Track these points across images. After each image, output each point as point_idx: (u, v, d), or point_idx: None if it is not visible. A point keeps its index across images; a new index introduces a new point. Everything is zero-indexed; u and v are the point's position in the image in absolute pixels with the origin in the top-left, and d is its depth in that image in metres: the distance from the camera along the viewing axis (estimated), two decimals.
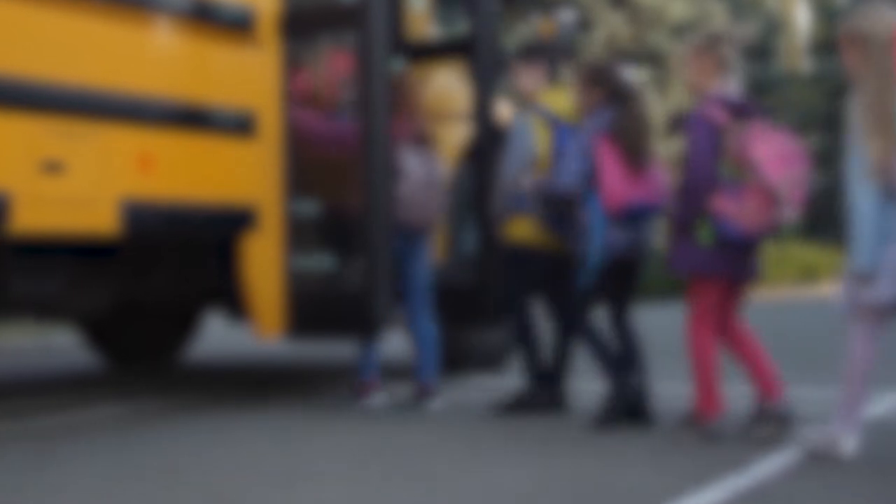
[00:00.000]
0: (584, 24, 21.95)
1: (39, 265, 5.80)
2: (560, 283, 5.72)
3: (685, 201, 4.85)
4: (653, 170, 5.28)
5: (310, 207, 6.13)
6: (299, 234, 6.08)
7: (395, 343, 7.81)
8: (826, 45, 30.27)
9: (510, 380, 6.91)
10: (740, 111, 4.84)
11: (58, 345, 10.49)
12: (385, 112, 5.92)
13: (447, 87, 7.35)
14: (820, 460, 4.41)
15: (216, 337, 9.95)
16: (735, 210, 4.68)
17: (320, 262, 6.15)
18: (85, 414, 5.94)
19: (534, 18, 8.23)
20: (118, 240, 5.49)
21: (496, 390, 6.46)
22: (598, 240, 5.18)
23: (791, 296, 19.81)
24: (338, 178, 6.29)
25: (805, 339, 9.96)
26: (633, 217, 5.24)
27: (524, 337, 5.84)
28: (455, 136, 7.09)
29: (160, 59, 5.54)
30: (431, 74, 7.31)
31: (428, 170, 5.97)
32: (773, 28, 31.51)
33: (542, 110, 5.77)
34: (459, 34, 7.28)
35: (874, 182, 4.23)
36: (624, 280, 5.41)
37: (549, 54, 6.00)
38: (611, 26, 23.11)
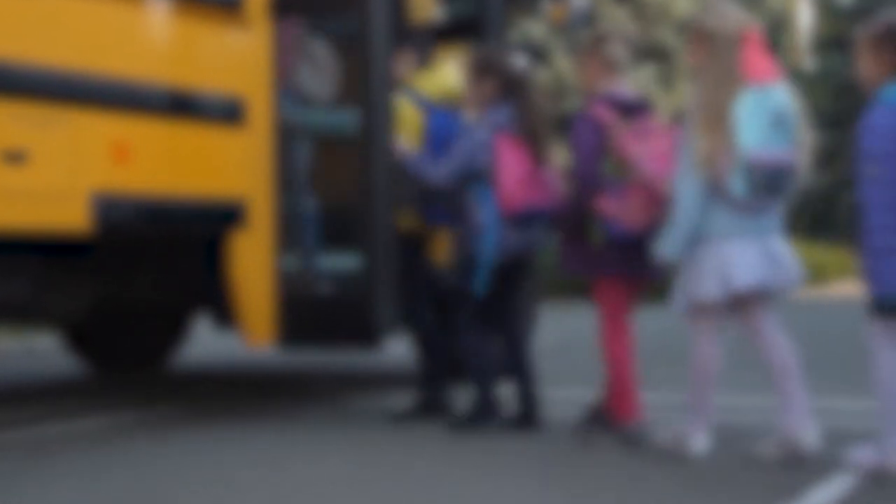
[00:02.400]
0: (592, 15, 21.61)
1: (3, 264, 5.30)
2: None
3: (572, 201, 4.85)
4: (549, 171, 5.15)
5: (303, 203, 5.71)
6: (292, 232, 5.66)
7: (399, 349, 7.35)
8: (830, 42, 30.01)
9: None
10: (629, 110, 4.82)
11: (41, 348, 10.14)
12: (387, 102, 5.47)
13: (453, 75, 6.85)
14: (880, 483, 3.93)
15: (206, 342, 9.51)
16: (618, 209, 4.68)
17: (315, 262, 5.72)
18: (63, 427, 5.57)
19: (545, 3, 7.78)
20: (91, 237, 5.01)
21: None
22: (490, 240, 5.02)
23: (800, 297, 19.33)
24: (334, 171, 5.92)
25: (828, 343, 9.48)
26: (528, 219, 5.08)
27: (423, 336, 5.59)
28: None
29: (138, 38, 5.07)
30: (437, 63, 6.83)
31: None
32: (777, 26, 31.18)
33: (412, 94, 5.65)
34: (465, 15, 6.81)
35: (700, 175, 4.32)
36: (514, 282, 5.20)
37: (419, 38, 5.97)
38: (616, 21, 22.77)
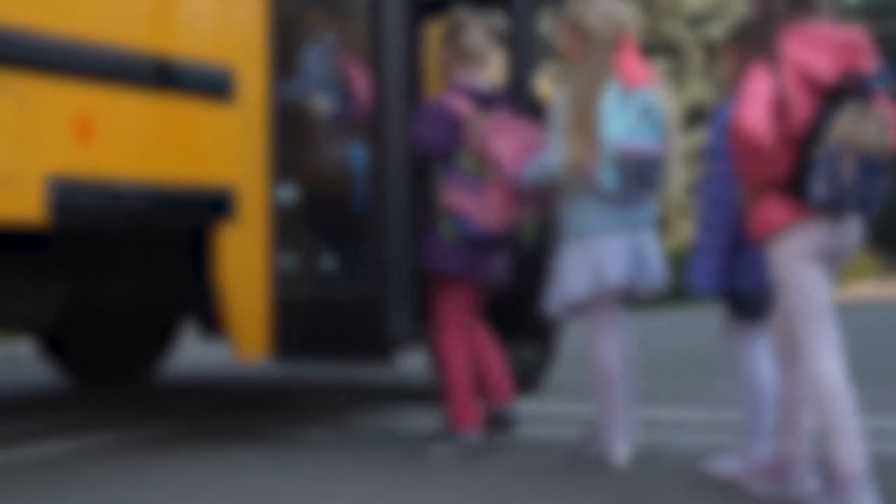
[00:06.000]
0: None
1: None
2: None
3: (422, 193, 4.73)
4: None
5: (302, 192, 5.03)
6: (289, 226, 4.97)
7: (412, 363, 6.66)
8: None
9: (551, 404, 5.84)
10: (487, 102, 4.73)
11: (23, 355, 9.58)
12: (401, 80, 4.74)
13: None
14: None
15: (194, 352, 9.00)
16: (474, 206, 4.58)
17: (316, 261, 5.09)
18: (30, 449, 4.95)
19: None
20: (47, 227, 4.28)
21: (538, 419, 5.28)
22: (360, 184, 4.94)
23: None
24: (339, 156, 5.26)
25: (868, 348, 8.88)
26: None
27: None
28: None
29: None
30: None
31: None
32: None
33: None
34: None
35: (570, 178, 4.29)
36: None
37: None
38: None
